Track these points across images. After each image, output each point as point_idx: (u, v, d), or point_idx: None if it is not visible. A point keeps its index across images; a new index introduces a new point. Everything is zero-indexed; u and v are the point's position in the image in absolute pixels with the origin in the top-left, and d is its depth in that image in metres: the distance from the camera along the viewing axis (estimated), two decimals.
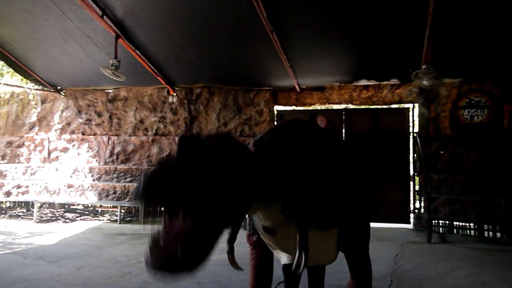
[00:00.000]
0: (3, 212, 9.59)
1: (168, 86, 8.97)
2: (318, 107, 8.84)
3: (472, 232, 7.45)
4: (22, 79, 10.24)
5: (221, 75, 8.56)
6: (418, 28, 5.97)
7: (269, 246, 2.31)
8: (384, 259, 5.40)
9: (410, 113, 8.31)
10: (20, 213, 9.46)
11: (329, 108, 9.00)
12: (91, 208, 9.57)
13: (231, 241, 2.20)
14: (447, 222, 7.57)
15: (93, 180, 9.22)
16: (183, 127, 9.10)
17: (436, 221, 7.51)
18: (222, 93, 8.99)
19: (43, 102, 9.92)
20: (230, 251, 2.20)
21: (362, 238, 2.47)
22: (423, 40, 6.02)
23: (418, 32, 6.03)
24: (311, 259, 1.98)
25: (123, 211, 8.80)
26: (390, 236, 7.03)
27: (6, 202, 9.82)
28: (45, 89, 9.63)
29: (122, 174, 9.15)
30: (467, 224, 7.52)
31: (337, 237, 2.27)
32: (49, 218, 8.90)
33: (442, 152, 7.74)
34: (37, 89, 9.77)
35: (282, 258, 2.39)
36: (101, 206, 9.41)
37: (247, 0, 5.73)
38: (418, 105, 8.11)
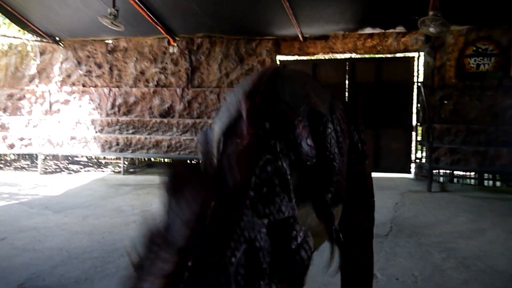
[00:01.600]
0: (8, 164, 9.70)
1: (168, 36, 8.77)
2: (321, 56, 8.67)
3: (473, 181, 7.51)
4: (19, 30, 10.01)
5: (223, 24, 8.34)
6: None
7: None
8: (384, 207, 5.48)
9: (415, 62, 8.15)
10: (25, 165, 9.57)
11: (333, 57, 8.83)
12: (95, 160, 9.65)
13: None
14: (448, 171, 7.62)
15: (96, 132, 9.24)
16: (185, 78, 8.99)
17: (437, 171, 7.55)
18: (223, 43, 8.80)
19: (42, 53, 9.74)
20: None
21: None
22: None
23: None
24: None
25: (126, 162, 8.89)
26: (391, 186, 7.10)
27: (10, 154, 9.90)
28: (44, 40, 9.43)
29: (124, 126, 9.15)
30: (468, 174, 7.57)
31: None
32: (53, 170, 9.01)
33: (446, 102, 7.65)
34: (35, 40, 9.58)
35: None
36: (104, 157, 9.50)
37: None
38: (424, 54, 7.93)
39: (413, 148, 8.19)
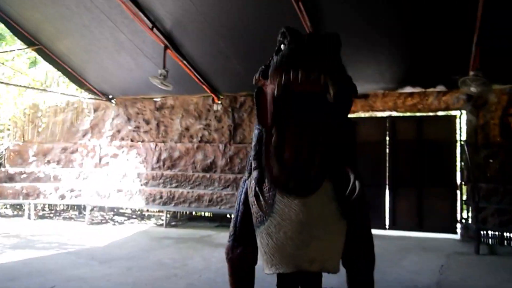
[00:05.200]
0: (58, 214, 10.14)
1: (213, 95, 9.21)
2: (362, 114, 8.78)
3: None
4: (77, 89, 10.82)
5: None
6: (466, 33, 5.85)
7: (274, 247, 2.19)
8: (429, 269, 5.30)
9: (457, 121, 8.10)
10: (73, 216, 9.96)
11: (373, 116, 8.91)
12: (139, 212, 9.93)
13: (260, 181, 2.06)
14: (497, 233, 7.29)
15: (141, 185, 9.57)
16: (227, 134, 9.30)
17: (484, 232, 7.24)
18: None
19: (95, 110, 10.44)
20: (261, 194, 2.04)
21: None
22: (471, 46, 5.90)
23: (466, 37, 5.91)
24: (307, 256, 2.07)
25: (168, 215, 9.08)
26: (436, 247, 6.85)
27: (60, 204, 10.36)
28: (98, 98, 10.14)
29: (168, 179, 9.45)
30: None
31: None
32: (100, 221, 9.32)
33: (491, 160, 7.47)
34: (90, 98, 10.30)
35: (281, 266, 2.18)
36: (147, 210, 9.75)
37: (291, 11, 5.84)
38: (466, 112, 7.88)
39: (459, 208, 7.93)
